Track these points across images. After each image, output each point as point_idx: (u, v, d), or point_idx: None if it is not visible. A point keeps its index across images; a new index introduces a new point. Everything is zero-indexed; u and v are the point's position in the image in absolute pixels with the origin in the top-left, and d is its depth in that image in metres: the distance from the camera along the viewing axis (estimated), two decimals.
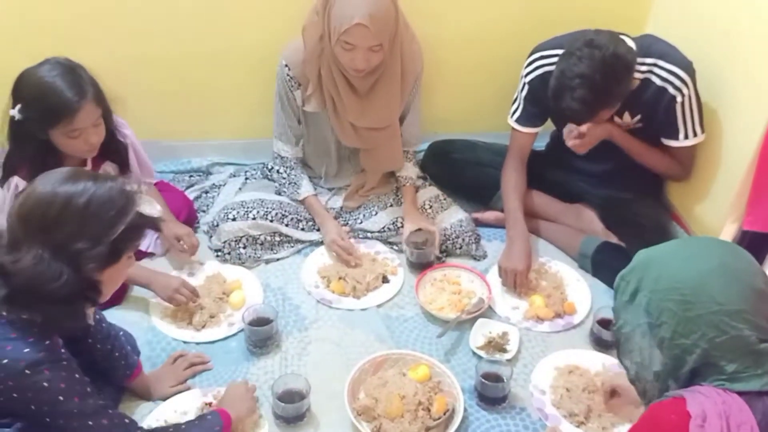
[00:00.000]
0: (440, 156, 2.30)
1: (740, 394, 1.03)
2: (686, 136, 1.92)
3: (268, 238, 2.07)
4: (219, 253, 2.04)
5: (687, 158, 2.02)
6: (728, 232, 1.97)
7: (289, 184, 2.14)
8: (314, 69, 1.94)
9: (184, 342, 1.79)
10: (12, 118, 1.63)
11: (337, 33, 1.78)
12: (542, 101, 1.96)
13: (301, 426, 1.60)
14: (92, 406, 1.28)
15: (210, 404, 1.61)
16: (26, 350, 1.21)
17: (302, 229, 2.12)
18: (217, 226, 2.06)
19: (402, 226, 2.10)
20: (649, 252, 1.17)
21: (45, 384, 1.22)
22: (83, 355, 1.44)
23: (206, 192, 2.29)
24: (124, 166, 1.89)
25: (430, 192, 2.20)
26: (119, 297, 1.87)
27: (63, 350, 1.28)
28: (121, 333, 1.64)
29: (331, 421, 1.61)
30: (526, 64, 2.01)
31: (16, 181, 1.69)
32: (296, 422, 1.59)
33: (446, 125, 2.43)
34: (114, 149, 1.84)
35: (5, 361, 1.20)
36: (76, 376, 1.28)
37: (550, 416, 1.63)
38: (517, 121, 2.07)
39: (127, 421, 1.36)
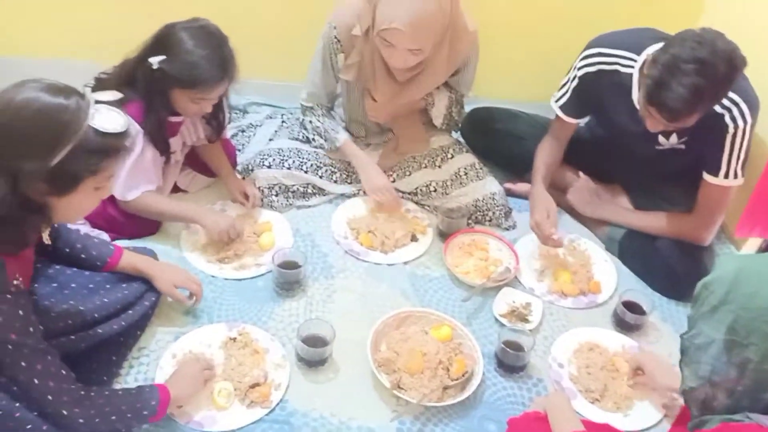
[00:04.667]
0: (480, 125, 2.27)
1: None
2: (726, 175, 1.78)
3: (301, 188, 2.06)
4: None
5: (712, 207, 1.84)
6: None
7: (325, 131, 2.08)
8: (361, 46, 1.88)
9: (212, 276, 1.81)
10: (147, 63, 1.63)
11: (377, 28, 1.75)
12: (591, 97, 1.91)
13: (321, 371, 1.62)
14: (30, 346, 1.20)
15: (234, 339, 1.64)
16: None
17: (335, 182, 2.10)
18: (252, 170, 2.06)
19: (435, 191, 2.09)
20: (741, 263, 1.07)
21: None
22: (60, 260, 1.47)
23: (242, 131, 2.28)
24: (217, 129, 1.94)
25: (466, 159, 2.15)
26: (154, 228, 1.88)
27: (16, 281, 1.19)
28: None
29: (352, 369, 1.63)
30: (581, 57, 1.91)
31: None
32: (317, 366, 1.62)
33: (489, 90, 2.39)
34: (214, 112, 1.86)
35: None
36: (20, 312, 1.19)
37: (567, 390, 1.65)
38: (561, 108, 2.01)
39: (63, 372, 1.26)
